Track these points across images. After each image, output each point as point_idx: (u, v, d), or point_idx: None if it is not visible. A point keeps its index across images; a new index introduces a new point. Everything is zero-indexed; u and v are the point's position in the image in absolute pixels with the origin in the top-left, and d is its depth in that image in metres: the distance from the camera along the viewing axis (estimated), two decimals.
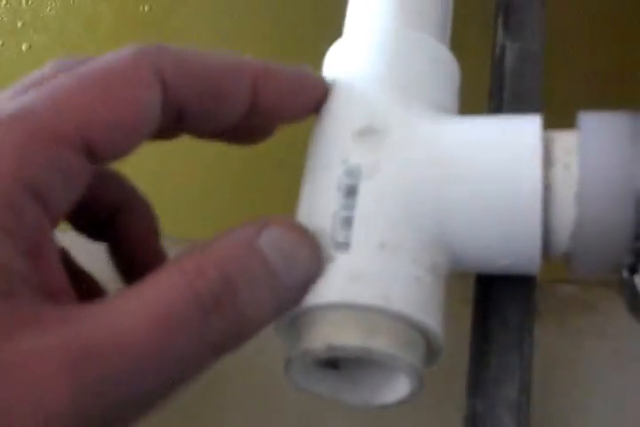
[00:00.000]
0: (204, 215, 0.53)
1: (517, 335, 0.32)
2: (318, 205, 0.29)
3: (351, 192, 0.29)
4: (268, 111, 0.30)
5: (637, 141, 0.28)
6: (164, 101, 0.27)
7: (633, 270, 0.28)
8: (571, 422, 0.34)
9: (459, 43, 0.35)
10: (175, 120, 0.28)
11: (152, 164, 0.49)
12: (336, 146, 0.30)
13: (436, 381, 0.33)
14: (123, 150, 0.26)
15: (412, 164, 0.29)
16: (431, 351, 0.29)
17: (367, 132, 0.30)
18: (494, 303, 0.33)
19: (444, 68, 0.33)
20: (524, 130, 0.29)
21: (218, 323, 0.24)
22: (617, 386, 0.34)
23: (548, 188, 0.29)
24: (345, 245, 0.28)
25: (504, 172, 0.29)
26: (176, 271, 0.24)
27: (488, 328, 0.32)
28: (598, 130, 0.29)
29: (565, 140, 0.30)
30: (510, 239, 0.29)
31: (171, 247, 0.36)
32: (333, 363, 0.30)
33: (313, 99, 0.31)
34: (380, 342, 0.27)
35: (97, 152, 0.25)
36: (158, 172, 0.53)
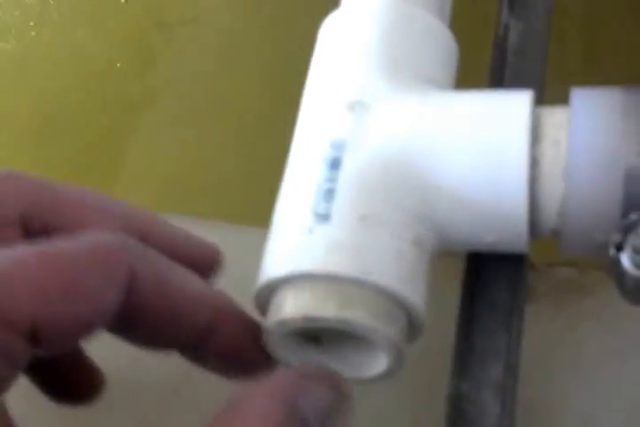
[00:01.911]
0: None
1: (505, 317, 0.31)
2: (302, 178, 0.29)
3: (335, 165, 0.29)
4: (216, 355, 0.28)
5: (628, 116, 0.27)
6: (120, 307, 0.25)
7: (620, 248, 0.27)
8: (559, 408, 0.34)
9: (462, 19, 0.35)
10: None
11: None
12: (323, 119, 0.30)
13: (422, 360, 0.33)
14: (68, 345, 0.25)
15: (397, 137, 0.29)
16: (412, 327, 0.29)
17: (354, 106, 0.30)
18: (483, 284, 0.32)
19: (439, 43, 0.33)
20: (514, 105, 0.29)
21: None
22: (612, 371, 0.34)
23: (535, 163, 0.28)
24: (325, 217, 0.28)
25: (491, 146, 0.28)
26: None
27: (475, 308, 0.32)
28: (589, 105, 0.28)
29: (556, 116, 0.29)
30: (496, 215, 0.29)
31: None
32: (316, 338, 0.29)
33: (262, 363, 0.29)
34: (357, 314, 0.27)
35: (42, 341, 0.24)
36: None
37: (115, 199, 0.30)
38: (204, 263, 0.30)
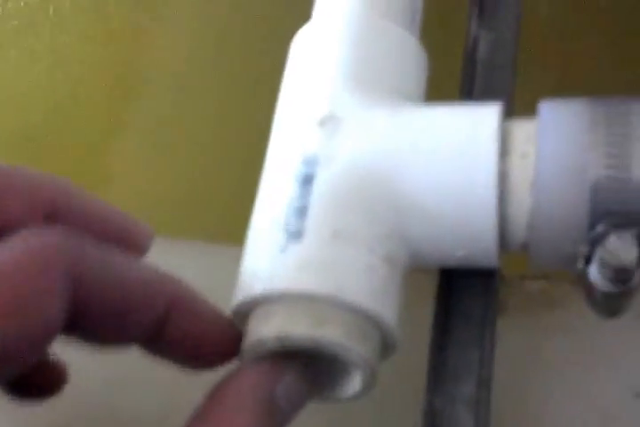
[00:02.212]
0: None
1: (478, 330, 0.31)
2: (275, 195, 0.29)
3: (307, 181, 0.29)
4: (173, 344, 0.28)
5: (595, 128, 0.27)
6: (68, 312, 0.25)
7: (588, 260, 0.27)
8: (531, 420, 0.34)
9: (433, 32, 0.35)
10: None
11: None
12: (295, 135, 0.30)
13: (397, 376, 0.33)
14: (30, 358, 0.24)
15: (367, 152, 0.29)
16: (386, 344, 0.28)
17: (326, 121, 0.30)
18: (456, 298, 0.32)
19: (409, 56, 0.33)
20: (483, 118, 0.29)
21: None
22: (584, 383, 0.34)
23: (504, 177, 0.28)
24: (298, 234, 0.28)
25: (460, 160, 0.28)
26: None
27: (448, 323, 0.31)
28: (556, 117, 0.28)
29: (525, 128, 0.29)
30: (466, 229, 0.29)
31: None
32: (293, 356, 0.29)
33: (222, 348, 0.28)
34: (331, 333, 0.26)
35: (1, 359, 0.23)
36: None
37: (44, 176, 0.28)
38: (137, 242, 0.29)
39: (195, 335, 0.28)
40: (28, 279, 0.24)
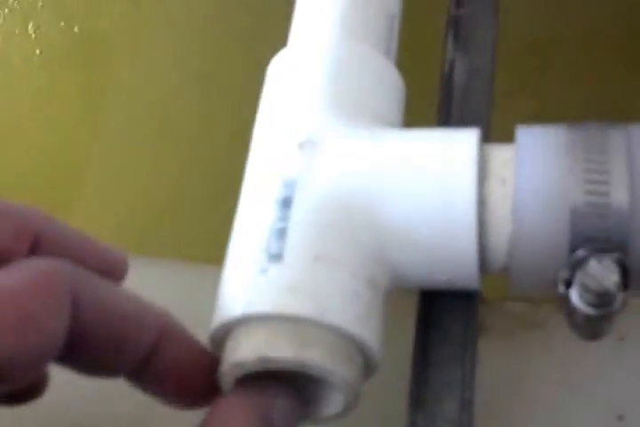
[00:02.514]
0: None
1: (459, 350, 0.32)
2: (254, 217, 0.29)
3: (287, 204, 0.29)
4: (160, 376, 0.28)
5: (573, 153, 0.28)
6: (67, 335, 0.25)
7: (568, 285, 0.27)
8: None
9: (409, 56, 0.36)
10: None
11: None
12: (273, 158, 0.30)
13: (379, 396, 0.33)
14: (26, 378, 0.25)
15: (346, 176, 0.29)
16: (368, 366, 0.29)
17: (304, 144, 0.30)
18: (436, 318, 0.32)
19: (386, 81, 0.33)
20: (461, 143, 0.29)
21: None
22: (565, 403, 0.34)
23: (483, 203, 0.29)
24: (278, 257, 0.28)
25: (439, 186, 0.29)
26: None
27: (429, 343, 0.32)
28: (534, 143, 0.29)
29: (503, 154, 0.29)
30: (447, 255, 0.29)
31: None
32: (271, 377, 0.29)
33: (208, 381, 0.28)
34: (314, 355, 0.27)
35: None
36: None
37: (25, 207, 0.29)
38: (114, 270, 0.30)
39: (182, 368, 0.28)
40: (33, 299, 0.24)
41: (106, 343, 0.26)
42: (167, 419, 0.33)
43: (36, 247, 0.27)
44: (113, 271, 0.29)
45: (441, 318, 0.32)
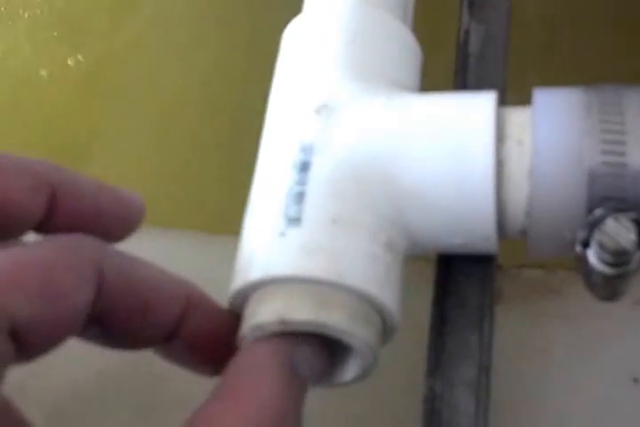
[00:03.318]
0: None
1: (476, 315, 0.32)
2: (272, 182, 0.29)
3: (304, 168, 0.29)
4: (188, 346, 0.28)
5: (589, 115, 0.28)
6: (94, 304, 0.25)
7: (586, 245, 0.27)
8: (531, 406, 0.34)
9: (425, 25, 0.36)
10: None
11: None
12: (291, 123, 0.30)
13: (400, 362, 0.33)
14: (48, 347, 0.25)
15: (363, 140, 0.29)
16: (386, 329, 0.29)
17: (321, 109, 0.30)
18: (454, 285, 0.32)
19: (402, 46, 0.33)
20: (478, 106, 0.29)
21: None
22: (581, 368, 0.34)
23: (500, 164, 0.29)
24: (296, 220, 0.28)
25: (456, 148, 0.29)
26: None
27: (447, 309, 0.32)
28: (551, 105, 0.29)
29: (520, 115, 0.29)
30: (464, 217, 0.29)
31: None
32: None
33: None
34: (333, 317, 0.27)
35: (23, 344, 0.24)
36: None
37: (40, 160, 0.28)
38: (131, 216, 0.30)
39: (210, 336, 0.28)
40: (59, 269, 0.24)
41: (133, 317, 0.26)
42: (179, 392, 0.33)
43: (53, 201, 0.27)
44: (130, 218, 0.29)
45: (458, 284, 0.33)
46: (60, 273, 0.24)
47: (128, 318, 0.26)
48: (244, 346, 0.28)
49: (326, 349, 0.28)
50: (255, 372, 0.25)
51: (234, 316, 0.29)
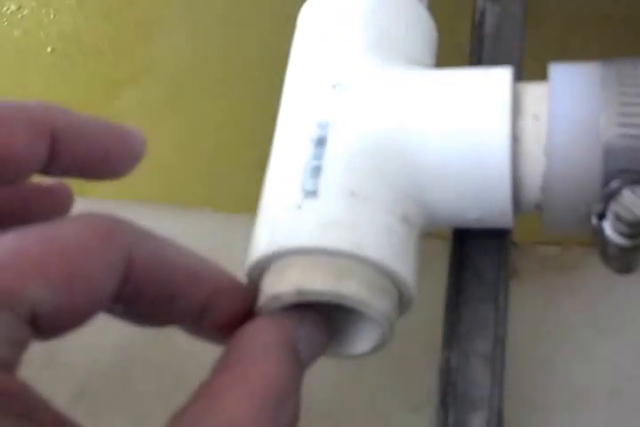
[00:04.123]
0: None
1: (492, 289, 0.32)
2: (289, 156, 0.30)
3: (321, 143, 0.29)
4: (216, 328, 0.28)
5: (606, 88, 0.28)
6: (120, 289, 0.25)
7: (602, 217, 0.28)
8: (544, 379, 0.34)
9: (441, 4, 0.36)
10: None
11: None
12: (308, 99, 0.31)
13: (416, 334, 0.33)
14: (67, 330, 0.24)
15: (380, 115, 0.30)
16: (402, 301, 0.29)
17: (337, 86, 0.30)
18: (469, 260, 0.33)
19: (419, 24, 0.33)
20: (494, 80, 0.30)
21: None
22: (595, 344, 0.34)
23: (516, 139, 0.29)
24: (313, 193, 0.28)
25: (472, 123, 0.29)
26: None
27: (462, 282, 0.32)
28: (567, 79, 0.29)
29: (536, 91, 0.30)
30: (480, 192, 0.29)
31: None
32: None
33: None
34: (350, 287, 0.27)
35: (42, 327, 0.23)
36: None
37: (41, 102, 0.28)
38: (132, 152, 0.29)
39: (236, 317, 0.28)
40: (84, 251, 0.24)
41: (160, 301, 0.26)
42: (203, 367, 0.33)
43: (54, 145, 0.27)
44: (132, 154, 0.29)
45: (474, 259, 0.33)
46: (86, 260, 0.24)
47: (155, 301, 0.26)
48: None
49: (331, 324, 0.28)
50: (260, 351, 0.25)
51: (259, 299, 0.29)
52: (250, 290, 0.29)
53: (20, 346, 0.23)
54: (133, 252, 0.25)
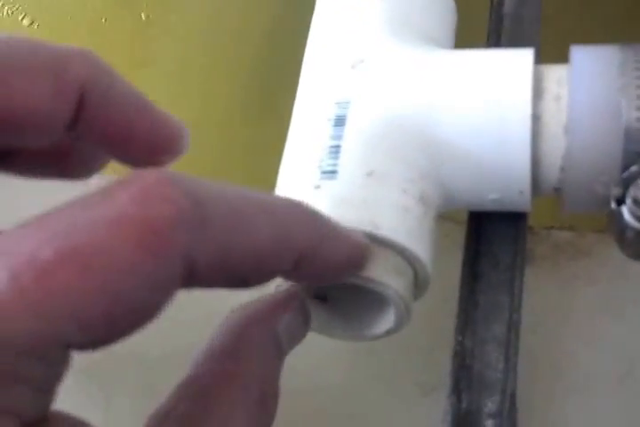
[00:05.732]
0: None
1: (508, 275, 0.32)
2: (308, 136, 0.30)
3: (340, 123, 0.29)
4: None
5: (626, 72, 0.28)
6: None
7: (620, 202, 0.27)
8: (557, 364, 0.34)
9: None
10: None
11: None
12: (327, 78, 0.31)
13: (430, 319, 0.33)
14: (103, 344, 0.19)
15: (400, 94, 0.29)
16: (418, 282, 0.29)
17: (357, 65, 0.30)
18: (485, 245, 0.33)
19: (438, 3, 0.33)
20: (515, 62, 0.29)
21: None
22: (608, 328, 0.34)
23: (537, 119, 0.29)
24: (331, 173, 0.28)
25: (493, 103, 0.29)
26: None
27: (478, 267, 0.32)
28: (588, 61, 0.29)
29: (557, 72, 0.29)
30: (499, 171, 0.29)
31: None
32: (322, 296, 0.30)
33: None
34: (368, 268, 0.27)
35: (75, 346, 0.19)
36: None
37: (70, 50, 0.23)
38: (168, 146, 0.24)
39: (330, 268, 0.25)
40: (128, 269, 0.18)
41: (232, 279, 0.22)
42: None
43: (80, 109, 0.22)
44: (167, 147, 0.24)
45: (490, 245, 0.33)
46: (122, 280, 0.18)
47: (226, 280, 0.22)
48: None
49: (345, 306, 0.28)
50: (246, 343, 0.24)
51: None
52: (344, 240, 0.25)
53: (60, 374, 0.19)
54: (195, 258, 0.19)
